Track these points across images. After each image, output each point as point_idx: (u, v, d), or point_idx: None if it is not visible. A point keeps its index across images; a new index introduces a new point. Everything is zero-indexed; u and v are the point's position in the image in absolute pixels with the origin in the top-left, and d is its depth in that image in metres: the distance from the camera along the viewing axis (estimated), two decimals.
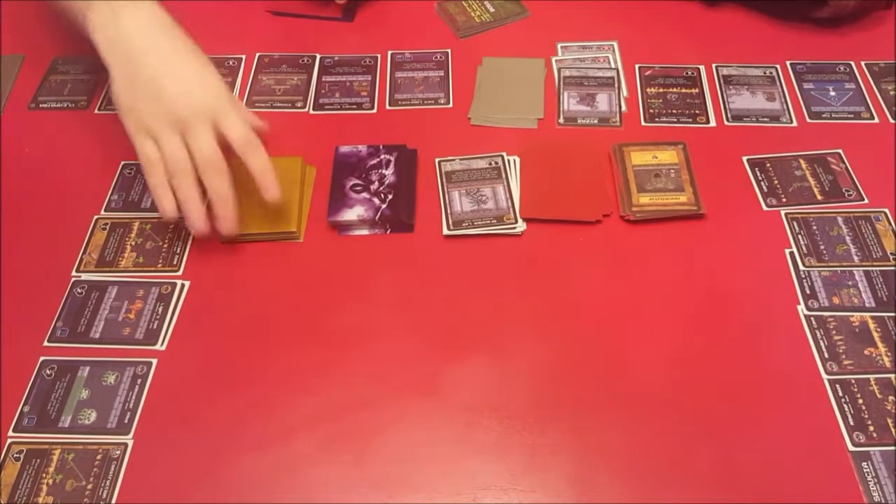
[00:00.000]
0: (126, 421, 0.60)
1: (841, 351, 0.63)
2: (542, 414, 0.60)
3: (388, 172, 0.74)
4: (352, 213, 0.71)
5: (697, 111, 0.80)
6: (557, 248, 0.70)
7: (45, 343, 0.65)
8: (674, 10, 0.91)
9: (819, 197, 0.73)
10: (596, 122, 0.80)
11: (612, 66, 0.85)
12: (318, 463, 0.58)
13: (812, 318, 0.65)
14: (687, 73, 0.84)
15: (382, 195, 0.72)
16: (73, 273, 0.69)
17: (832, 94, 0.82)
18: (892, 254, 0.68)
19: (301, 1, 0.92)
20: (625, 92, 0.82)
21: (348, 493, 0.57)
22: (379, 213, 0.71)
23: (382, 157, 0.76)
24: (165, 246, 0.70)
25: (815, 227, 0.70)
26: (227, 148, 0.65)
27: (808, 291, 0.66)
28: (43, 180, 0.76)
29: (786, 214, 0.71)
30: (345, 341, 0.64)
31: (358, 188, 0.73)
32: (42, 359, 0.64)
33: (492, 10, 0.91)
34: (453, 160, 0.76)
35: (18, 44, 0.89)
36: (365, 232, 0.72)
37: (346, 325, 0.65)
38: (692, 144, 0.76)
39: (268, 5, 0.92)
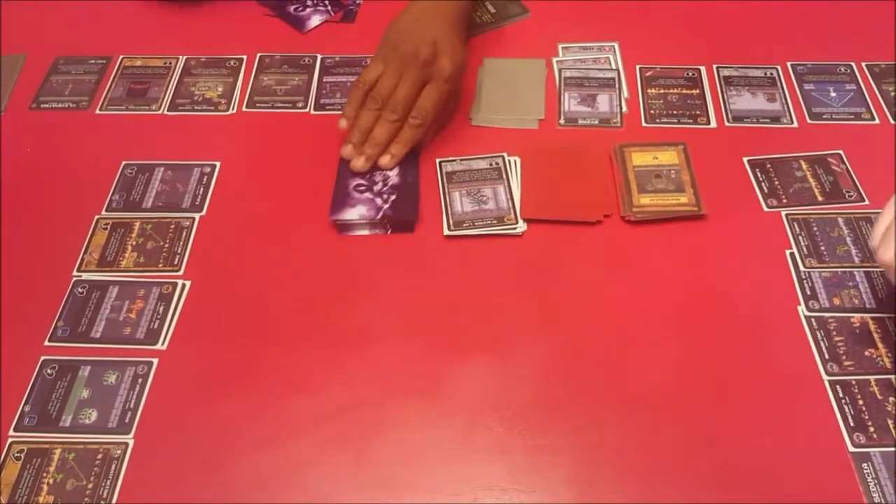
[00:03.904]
0: (127, 420, 0.60)
1: (841, 352, 0.63)
2: (543, 414, 0.60)
3: (392, 173, 0.74)
4: (354, 213, 0.71)
5: (698, 112, 0.80)
6: (558, 248, 0.70)
7: (46, 343, 0.65)
8: (675, 10, 0.91)
9: (820, 198, 0.73)
10: (597, 122, 0.80)
11: (613, 66, 0.85)
12: (319, 463, 0.58)
13: (812, 319, 0.65)
14: (687, 74, 0.84)
15: (385, 196, 0.72)
16: (74, 273, 0.69)
17: (833, 94, 0.82)
18: None
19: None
20: (625, 93, 0.82)
21: (348, 493, 0.57)
22: (381, 213, 0.71)
23: None
24: (166, 246, 0.70)
25: (815, 228, 0.70)
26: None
27: (808, 292, 0.66)
28: (44, 180, 0.76)
29: (786, 215, 0.71)
30: (345, 341, 0.64)
31: (361, 188, 0.73)
32: (43, 358, 0.64)
33: (493, 10, 0.91)
34: (454, 161, 0.76)
35: (20, 44, 0.89)
36: (366, 232, 0.72)
37: (346, 326, 0.65)
38: (693, 145, 0.76)
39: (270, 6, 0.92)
